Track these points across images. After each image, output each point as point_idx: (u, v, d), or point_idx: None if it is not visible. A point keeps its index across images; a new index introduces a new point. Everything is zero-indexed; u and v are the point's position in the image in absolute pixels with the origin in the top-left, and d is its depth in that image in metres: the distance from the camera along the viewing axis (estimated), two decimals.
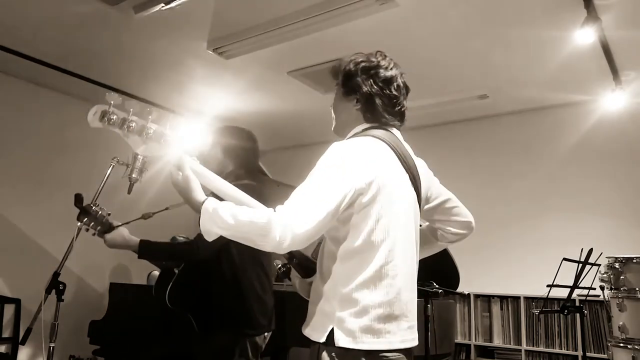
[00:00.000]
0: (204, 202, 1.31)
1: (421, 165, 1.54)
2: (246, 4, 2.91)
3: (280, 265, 1.57)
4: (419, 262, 1.47)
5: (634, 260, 2.76)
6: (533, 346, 3.76)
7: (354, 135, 1.44)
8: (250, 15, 3.02)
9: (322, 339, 1.28)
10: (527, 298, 3.83)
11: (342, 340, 1.25)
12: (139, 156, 2.38)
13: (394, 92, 1.46)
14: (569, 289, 2.84)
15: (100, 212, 2.07)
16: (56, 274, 2.35)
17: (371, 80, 1.45)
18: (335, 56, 3.44)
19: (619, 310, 2.73)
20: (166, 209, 2.10)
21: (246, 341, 2.10)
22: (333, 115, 1.56)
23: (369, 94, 1.45)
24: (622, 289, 2.76)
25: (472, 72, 3.69)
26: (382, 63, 1.47)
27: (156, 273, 3.93)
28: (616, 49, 3.20)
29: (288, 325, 2.71)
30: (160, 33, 3.28)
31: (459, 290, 3.13)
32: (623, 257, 2.81)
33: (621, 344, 2.68)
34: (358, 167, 1.30)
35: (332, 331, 1.27)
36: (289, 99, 4.32)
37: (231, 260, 2.13)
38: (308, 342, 1.35)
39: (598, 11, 2.71)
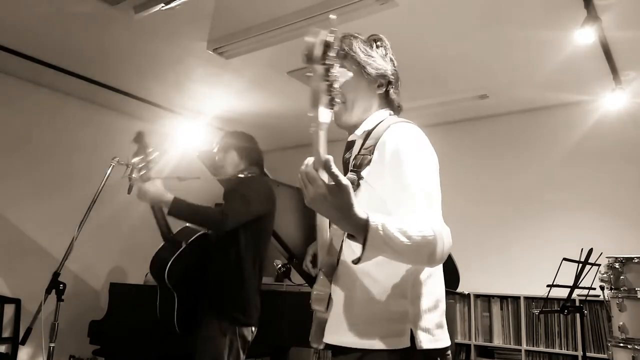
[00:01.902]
0: (368, 219, 0.99)
1: None
2: (246, 4, 2.91)
3: (280, 265, 1.56)
4: None
5: (634, 260, 2.76)
6: (533, 346, 3.76)
7: (380, 123, 1.27)
8: (250, 15, 3.02)
9: (405, 344, 1.10)
10: (527, 298, 3.83)
11: (425, 341, 1.11)
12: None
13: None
14: (569, 289, 2.84)
15: (153, 157, 2.08)
16: (56, 274, 2.36)
17: (391, 62, 1.35)
18: None
19: (619, 310, 2.73)
20: (198, 178, 2.28)
21: (236, 328, 2.15)
22: (345, 99, 1.29)
23: (396, 77, 1.35)
24: (622, 289, 2.76)
25: (472, 72, 3.69)
26: (388, 44, 1.39)
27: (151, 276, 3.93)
28: (616, 49, 3.20)
29: (288, 325, 2.71)
30: (160, 33, 3.28)
31: (459, 290, 3.14)
32: (623, 257, 2.81)
33: (621, 344, 2.68)
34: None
35: (411, 333, 1.11)
36: (289, 99, 4.32)
37: (238, 249, 2.21)
38: (307, 343, 1.26)
39: (598, 11, 2.71)
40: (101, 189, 2.46)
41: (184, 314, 2.18)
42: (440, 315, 1.18)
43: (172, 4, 2.80)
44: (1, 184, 3.89)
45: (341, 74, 1.01)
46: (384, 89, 1.33)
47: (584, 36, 2.78)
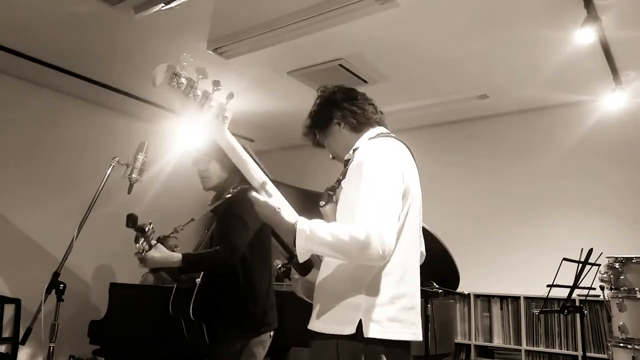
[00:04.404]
0: (296, 223, 1.28)
1: None
2: (246, 3, 2.91)
3: (280, 266, 1.56)
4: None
5: (634, 260, 2.76)
6: (533, 346, 3.76)
7: (355, 149, 1.49)
8: (250, 15, 3.02)
9: (350, 331, 1.26)
10: (527, 298, 3.83)
11: (372, 331, 1.26)
12: (139, 156, 2.39)
13: (356, 95, 1.60)
14: (569, 289, 2.84)
15: (152, 231, 2.00)
16: (56, 274, 2.35)
17: (333, 94, 1.59)
18: (335, 56, 3.45)
19: (619, 310, 2.73)
20: (192, 220, 2.14)
21: (253, 339, 2.18)
22: (331, 150, 1.62)
23: (346, 109, 1.55)
24: (622, 289, 2.76)
25: (472, 72, 3.69)
26: (331, 92, 1.62)
27: (149, 276, 3.92)
28: (616, 49, 3.20)
29: (287, 325, 2.71)
30: (160, 33, 3.28)
31: (459, 290, 3.13)
32: (623, 257, 2.81)
33: (621, 344, 2.68)
34: (401, 166, 1.38)
35: (360, 322, 1.27)
36: (289, 99, 4.32)
37: (244, 266, 2.22)
38: (308, 342, 1.33)
39: (598, 11, 2.71)
40: (101, 189, 2.46)
41: (212, 333, 2.24)
42: (397, 310, 1.30)
43: (172, 4, 2.80)
44: (1, 184, 3.90)
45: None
46: (344, 123, 1.55)
47: (584, 36, 2.78)
